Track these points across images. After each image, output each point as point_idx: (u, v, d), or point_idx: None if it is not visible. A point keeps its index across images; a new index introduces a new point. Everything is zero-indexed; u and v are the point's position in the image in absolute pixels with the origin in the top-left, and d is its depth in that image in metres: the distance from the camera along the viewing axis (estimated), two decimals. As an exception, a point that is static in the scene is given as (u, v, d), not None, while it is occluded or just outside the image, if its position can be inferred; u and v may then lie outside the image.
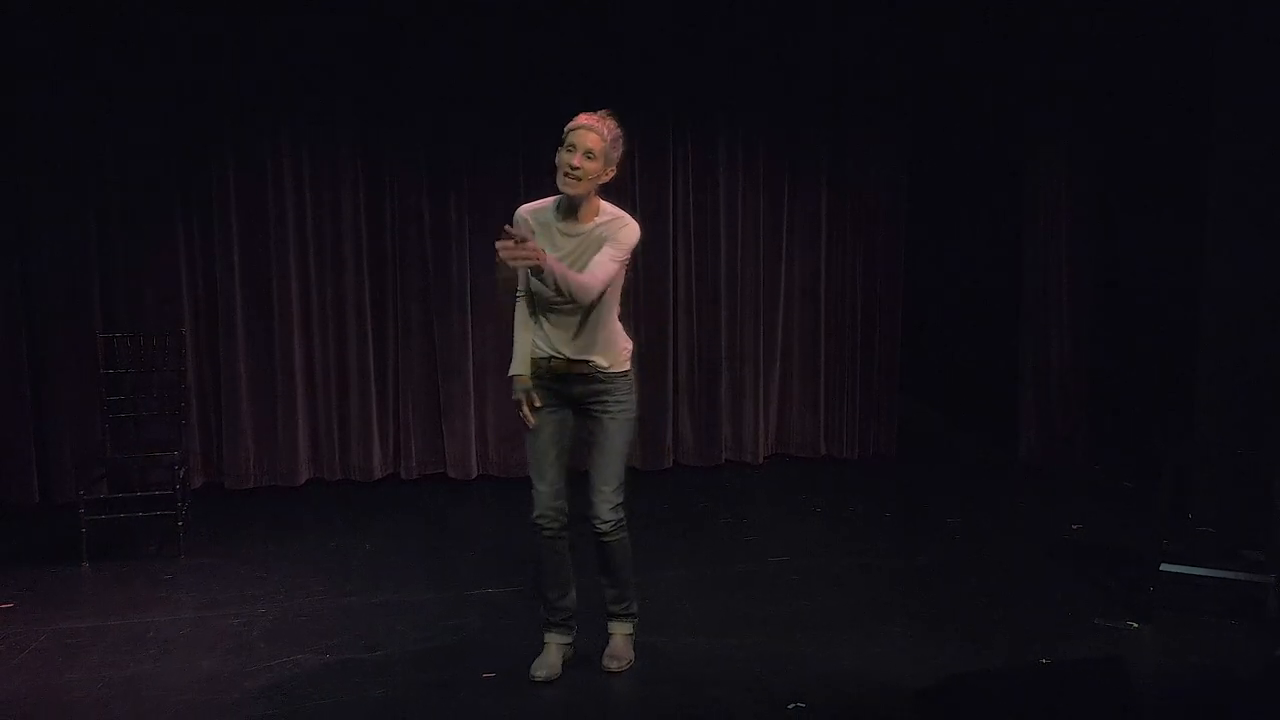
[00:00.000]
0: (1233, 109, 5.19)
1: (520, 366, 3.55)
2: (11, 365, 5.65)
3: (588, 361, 3.49)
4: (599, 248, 3.39)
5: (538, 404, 3.52)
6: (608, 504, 3.53)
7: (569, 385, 3.53)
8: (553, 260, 3.27)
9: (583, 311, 3.43)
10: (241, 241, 5.90)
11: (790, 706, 3.47)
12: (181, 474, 5.05)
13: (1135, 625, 4.10)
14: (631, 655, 3.74)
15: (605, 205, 3.49)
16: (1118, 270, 6.46)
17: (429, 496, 5.92)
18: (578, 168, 3.31)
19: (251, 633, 4.06)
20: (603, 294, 3.41)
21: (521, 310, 3.57)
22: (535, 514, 3.59)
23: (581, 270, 3.36)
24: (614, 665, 3.70)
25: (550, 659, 3.68)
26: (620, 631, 3.77)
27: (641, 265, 6.29)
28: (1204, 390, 5.33)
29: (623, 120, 3.46)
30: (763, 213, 6.46)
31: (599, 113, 3.41)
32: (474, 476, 6.19)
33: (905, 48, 6.42)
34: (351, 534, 5.27)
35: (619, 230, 3.42)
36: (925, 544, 5.10)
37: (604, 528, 3.54)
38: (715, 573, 4.70)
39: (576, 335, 3.47)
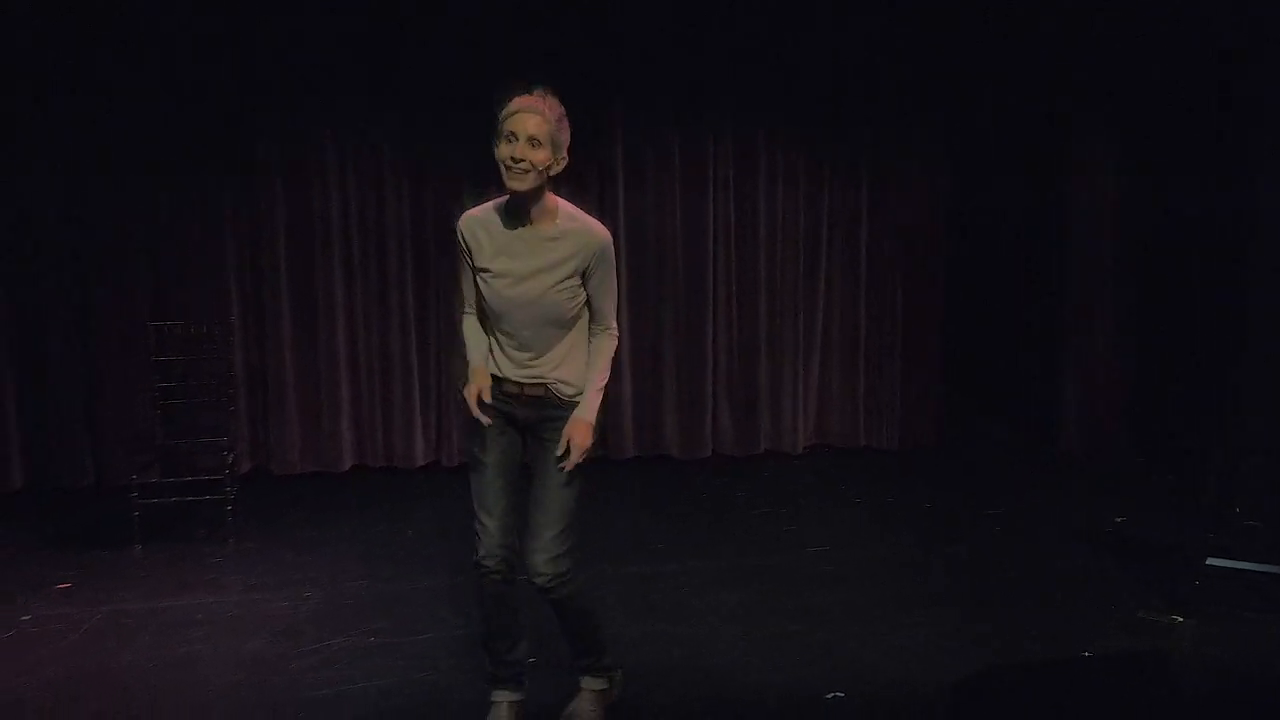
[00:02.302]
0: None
1: (480, 360, 3.06)
2: (67, 353, 5.81)
3: (546, 385, 3.00)
4: (566, 257, 2.90)
5: (486, 399, 2.98)
6: (544, 554, 2.92)
7: (519, 407, 3.03)
8: (590, 408, 2.98)
9: (550, 335, 2.97)
10: (287, 234, 5.99)
11: (829, 696, 3.47)
12: (230, 459, 5.15)
13: (1179, 619, 4.06)
14: (600, 717, 3.21)
15: (563, 205, 2.95)
16: (1163, 261, 6.35)
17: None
18: (521, 159, 2.76)
19: (298, 616, 4.13)
20: (578, 316, 3.00)
21: (471, 322, 3.15)
22: (480, 554, 3.00)
23: (542, 274, 2.91)
24: None
25: (501, 717, 3.17)
26: (590, 686, 3.23)
27: (681, 255, 6.31)
28: (1251, 381, 5.24)
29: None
30: (802, 202, 6.44)
31: (535, 90, 2.82)
32: (515, 463, 6.24)
33: (946, 37, 6.36)
34: (395, 519, 5.35)
35: (601, 250, 2.94)
36: (965, 535, 5.08)
37: (540, 582, 2.94)
38: (753, 562, 4.71)
39: (539, 357, 2.99)
